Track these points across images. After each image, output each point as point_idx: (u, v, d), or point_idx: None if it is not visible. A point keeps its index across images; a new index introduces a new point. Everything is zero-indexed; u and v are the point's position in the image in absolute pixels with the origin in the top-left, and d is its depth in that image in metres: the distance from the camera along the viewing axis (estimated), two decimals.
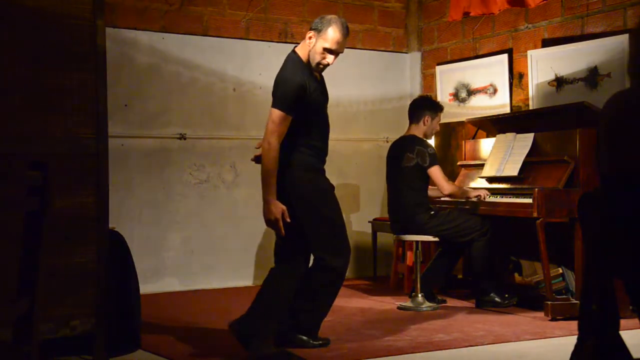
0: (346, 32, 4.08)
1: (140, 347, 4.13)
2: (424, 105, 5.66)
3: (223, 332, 4.67)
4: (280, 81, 4.12)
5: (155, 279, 6.22)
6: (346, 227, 4.27)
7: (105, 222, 3.53)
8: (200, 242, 6.42)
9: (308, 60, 4.10)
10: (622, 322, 3.29)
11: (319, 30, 4.04)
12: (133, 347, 4.09)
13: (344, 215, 4.29)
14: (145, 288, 5.52)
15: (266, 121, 4.09)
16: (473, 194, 5.50)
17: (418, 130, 5.61)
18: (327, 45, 4.02)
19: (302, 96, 4.02)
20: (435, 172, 5.43)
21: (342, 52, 4.10)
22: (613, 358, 3.21)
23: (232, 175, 6.57)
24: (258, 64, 6.66)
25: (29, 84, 3.37)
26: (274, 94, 4.13)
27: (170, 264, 6.31)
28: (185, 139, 6.36)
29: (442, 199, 5.89)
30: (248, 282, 6.60)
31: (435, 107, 5.66)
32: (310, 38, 4.07)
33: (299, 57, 4.12)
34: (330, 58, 4.06)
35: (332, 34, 4.02)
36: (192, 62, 6.40)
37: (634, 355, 3.25)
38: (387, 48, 7.30)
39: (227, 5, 6.56)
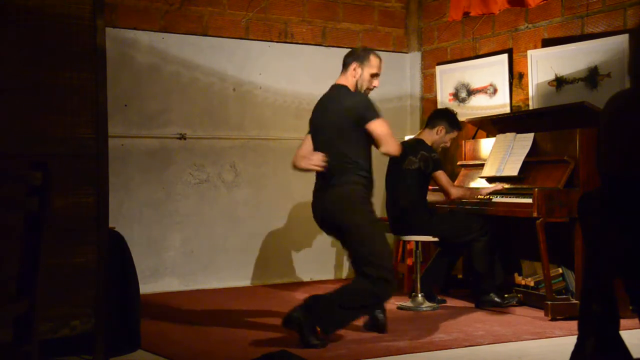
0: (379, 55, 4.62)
1: (140, 347, 4.13)
2: (443, 116, 5.66)
3: (223, 332, 4.67)
4: (361, 100, 4.46)
5: (155, 279, 6.22)
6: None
7: (105, 222, 3.53)
8: (200, 242, 6.43)
9: (356, 88, 4.51)
10: (622, 322, 3.30)
11: (360, 61, 4.50)
12: (133, 347, 4.09)
13: None
14: (145, 288, 5.52)
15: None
16: (485, 191, 5.45)
17: (429, 137, 5.60)
18: (374, 71, 4.53)
19: None
20: (440, 177, 5.42)
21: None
22: (613, 358, 3.22)
23: (232, 175, 6.57)
24: (258, 64, 6.66)
25: (29, 84, 3.37)
26: (364, 112, 4.39)
27: (170, 264, 6.31)
28: (185, 139, 6.36)
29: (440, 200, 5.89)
30: (248, 282, 6.60)
31: (453, 123, 5.64)
32: (355, 69, 4.49)
33: (347, 87, 4.51)
34: (376, 81, 4.56)
35: (374, 61, 4.53)
36: (192, 62, 6.41)
37: (634, 355, 3.25)
38: (387, 48, 7.30)
39: (227, 5, 6.56)
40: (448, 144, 5.71)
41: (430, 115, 5.78)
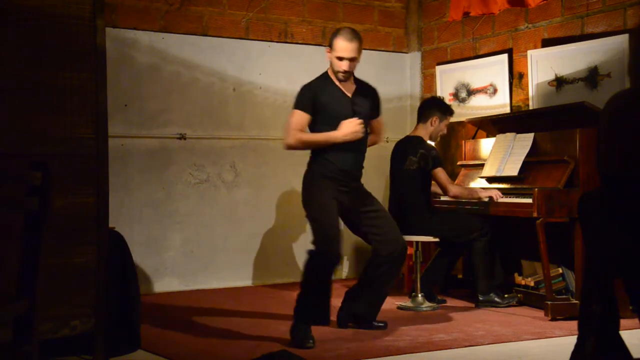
0: (350, 37, 4.47)
1: (140, 347, 4.13)
2: (434, 106, 5.63)
3: (223, 332, 4.67)
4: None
5: (155, 279, 6.21)
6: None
7: (105, 222, 3.53)
8: (200, 242, 6.42)
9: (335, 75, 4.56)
10: (622, 322, 3.30)
11: (329, 45, 4.53)
12: (133, 347, 4.09)
13: None
14: (145, 288, 5.53)
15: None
16: (484, 194, 5.41)
17: (424, 131, 5.58)
18: (337, 55, 4.46)
19: (310, 97, 4.48)
20: (439, 174, 5.41)
21: (353, 56, 4.49)
22: (613, 358, 3.21)
23: (232, 175, 6.57)
24: (258, 64, 6.66)
25: (29, 84, 3.37)
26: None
27: (170, 264, 6.30)
28: (185, 139, 6.36)
29: (443, 198, 5.89)
30: (248, 282, 6.60)
31: (444, 110, 5.63)
32: (327, 54, 4.55)
33: (326, 72, 4.61)
34: (343, 64, 4.47)
35: (337, 44, 4.47)
36: (192, 62, 6.40)
37: (634, 355, 3.25)
38: (387, 48, 7.30)
39: (227, 5, 6.56)
40: (445, 131, 5.69)
41: (419, 109, 5.73)
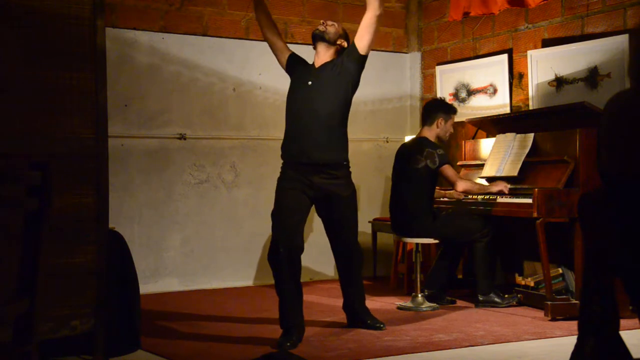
0: None
1: (140, 347, 4.13)
2: (438, 108, 5.64)
3: (223, 332, 4.67)
4: None
5: (155, 279, 6.22)
6: (279, 224, 4.58)
7: (105, 222, 3.53)
8: (200, 242, 6.43)
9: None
10: (622, 322, 3.29)
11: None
12: (133, 347, 4.09)
13: None
14: (145, 288, 5.52)
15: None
16: (495, 188, 5.40)
17: (430, 133, 5.58)
18: None
19: (298, 58, 4.76)
20: (447, 170, 5.41)
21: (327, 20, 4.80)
22: (613, 358, 3.21)
23: (232, 175, 6.57)
24: (258, 64, 6.66)
25: (29, 84, 3.37)
26: None
27: (170, 264, 6.31)
28: (185, 139, 6.36)
29: (442, 199, 5.89)
30: (248, 282, 6.60)
31: (448, 110, 5.64)
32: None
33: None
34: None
35: None
36: (192, 62, 6.41)
37: (634, 355, 3.25)
38: (387, 48, 7.30)
39: (227, 5, 6.56)
40: (452, 130, 5.70)
41: (423, 112, 5.74)
